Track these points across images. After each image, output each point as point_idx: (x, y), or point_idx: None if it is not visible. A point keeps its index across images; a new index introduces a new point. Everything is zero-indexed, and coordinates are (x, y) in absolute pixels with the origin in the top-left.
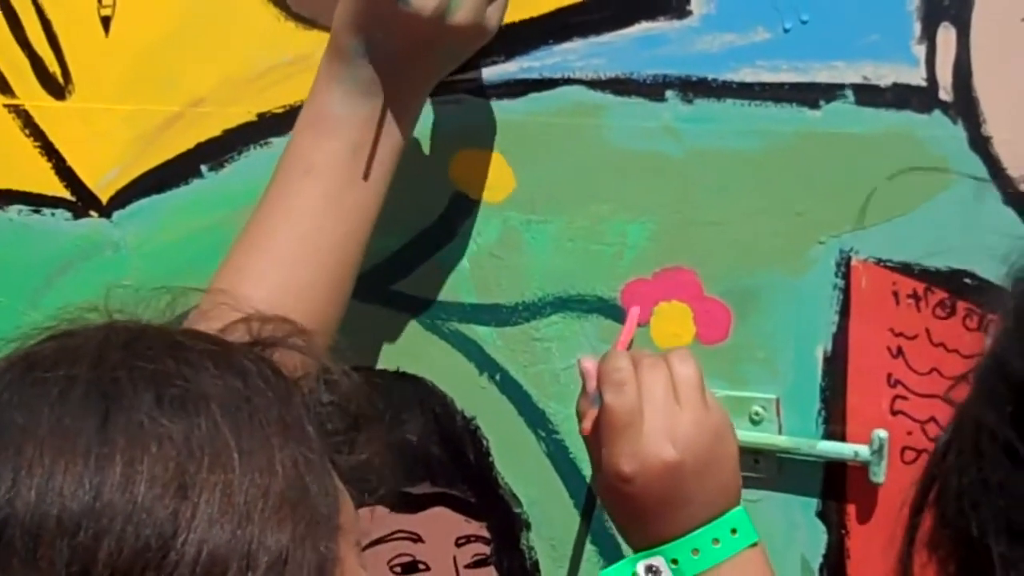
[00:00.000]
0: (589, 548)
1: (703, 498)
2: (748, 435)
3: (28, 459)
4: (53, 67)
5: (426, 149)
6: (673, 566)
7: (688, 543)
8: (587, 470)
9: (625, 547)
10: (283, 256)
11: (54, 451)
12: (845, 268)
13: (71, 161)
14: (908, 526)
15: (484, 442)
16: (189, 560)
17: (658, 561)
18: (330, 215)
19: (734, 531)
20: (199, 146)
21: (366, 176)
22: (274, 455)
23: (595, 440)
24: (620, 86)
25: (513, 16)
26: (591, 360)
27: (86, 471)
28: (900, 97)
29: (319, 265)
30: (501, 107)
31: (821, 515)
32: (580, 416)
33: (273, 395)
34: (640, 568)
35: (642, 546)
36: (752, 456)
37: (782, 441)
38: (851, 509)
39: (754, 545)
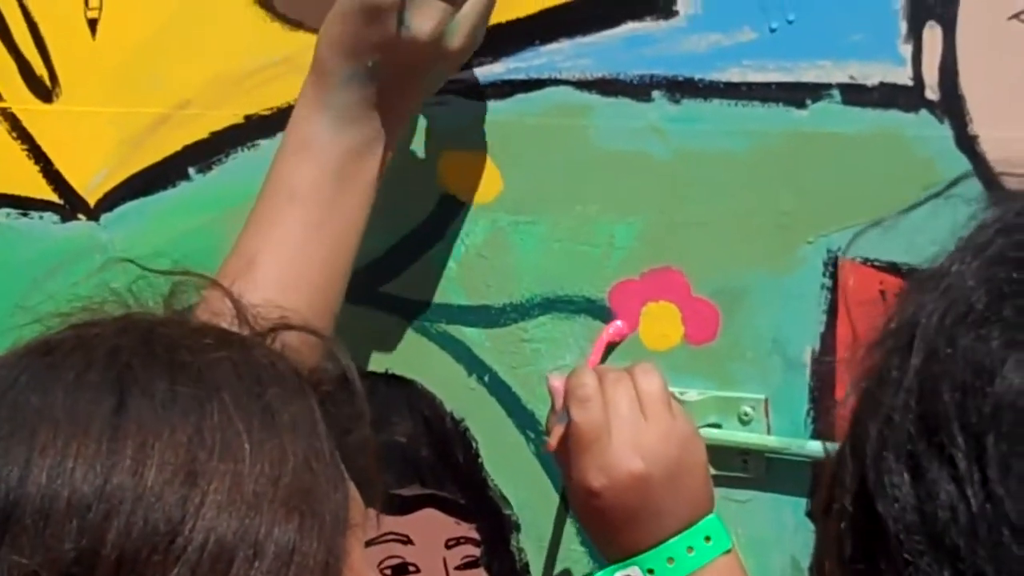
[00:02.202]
0: (578, 549)
1: (674, 508)
2: (737, 435)
3: (42, 441)
4: (40, 70)
5: (414, 151)
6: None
7: (663, 552)
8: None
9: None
10: (269, 282)
11: (67, 434)
12: (833, 268)
13: (58, 164)
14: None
15: (473, 443)
16: (196, 546)
17: (634, 571)
18: (314, 240)
19: (708, 539)
20: (186, 148)
21: (349, 202)
22: (285, 447)
23: (564, 456)
24: (607, 86)
25: (500, 17)
26: (559, 377)
27: (98, 455)
28: (887, 96)
29: (306, 287)
30: (488, 108)
31: (810, 515)
32: (548, 433)
33: (286, 389)
34: None
35: (618, 558)
36: (741, 456)
37: (771, 441)
38: None
39: (728, 552)
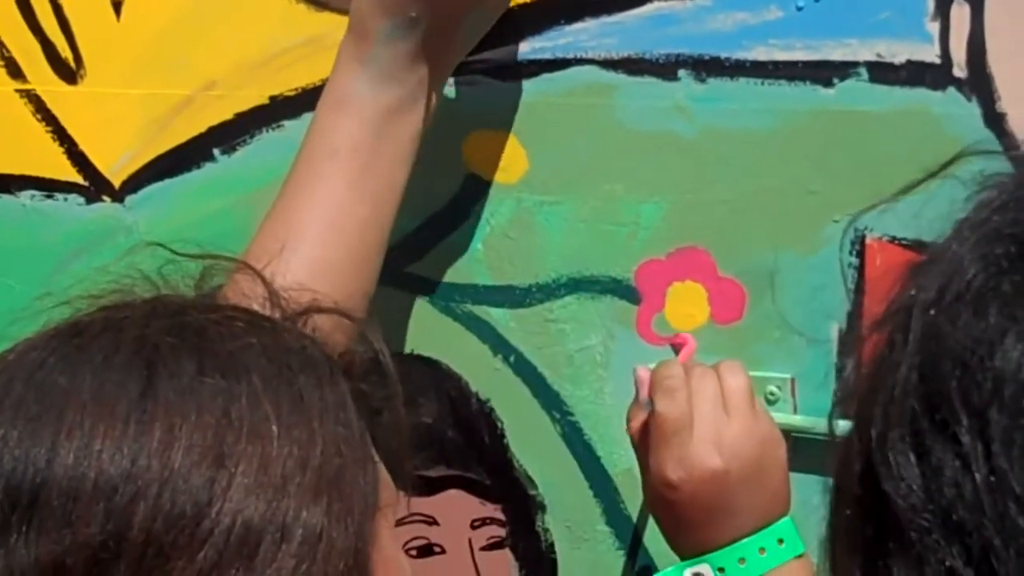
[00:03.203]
0: (605, 529)
1: (750, 507)
2: None
3: (69, 423)
4: (65, 52)
5: (439, 131)
6: (719, 574)
7: (735, 552)
8: (601, 451)
9: (646, 533)
10: (308, 238)
11: (94, 415)
12: (859, 246)
13: (83, 146)
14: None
15: (499, 424)
16: (223, 529)
17: (704, 569)
18: (354, 197)
19: (781, 541)
20: (211, 130)
21: (390, 158)
22: (314, 430)
23: (644, 447)
24: (632, 66)
25: None
26: (645, 368)
27: (125, 436)
28: (914, 74)
29: (345, 247)
30: (514, 88)
31: None
32: (629, 421)
33: (316, 372)
34: (687, 575)
35: (689, 554)
36: None
37: (798, 421)
38: None
39: (800, 556)
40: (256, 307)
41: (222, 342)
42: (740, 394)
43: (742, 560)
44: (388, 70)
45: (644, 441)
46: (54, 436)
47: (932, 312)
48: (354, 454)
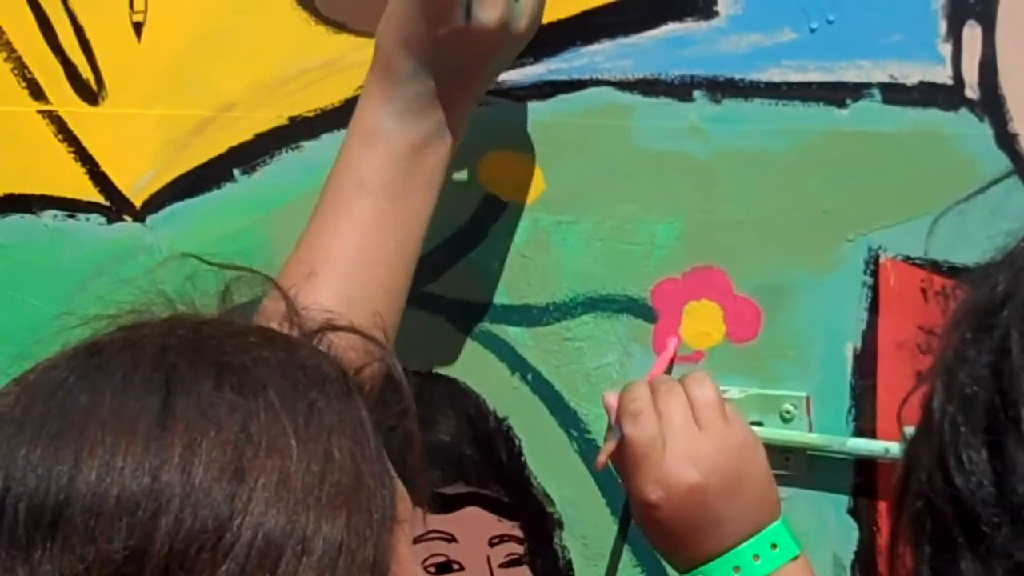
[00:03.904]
0: (622, 547)
1: (736, 516)
2: (778, 433)
3: (90, 440)
4: (86, 73)
5: (456, 152)
6: None
7: (728, 561)
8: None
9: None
10: (334, 271)
11: (115, 433)
12: (874, 266)
13: (104, 166)
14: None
15: (516, 442)
16: (245, 543)
17: None
18: (381, 230)
19: (774, 546)
20: (231, 150)
21: (417, 192)
22: (331, 445)
23: (622, 471)
24: (648, 87)
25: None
26: (612, 394)
27: (146, 453)
28: (926, 95)
29: (372, 279)
30: (530, 109)
31: (852, 512)
32: (604, 446)
33: (332, 388)
34: None
35: (685, 567)
36: (783, 454)
37: (812, 439)
38: (882, 506)
39: (796, 558)
40: (275, 326)
41: (238, 358)
42: (709, 405)
43: (736, 568)
44: (414, 106)
45: (621, 466)
46: (76, 453)
47: (1008, 313)
48: (371, 468)
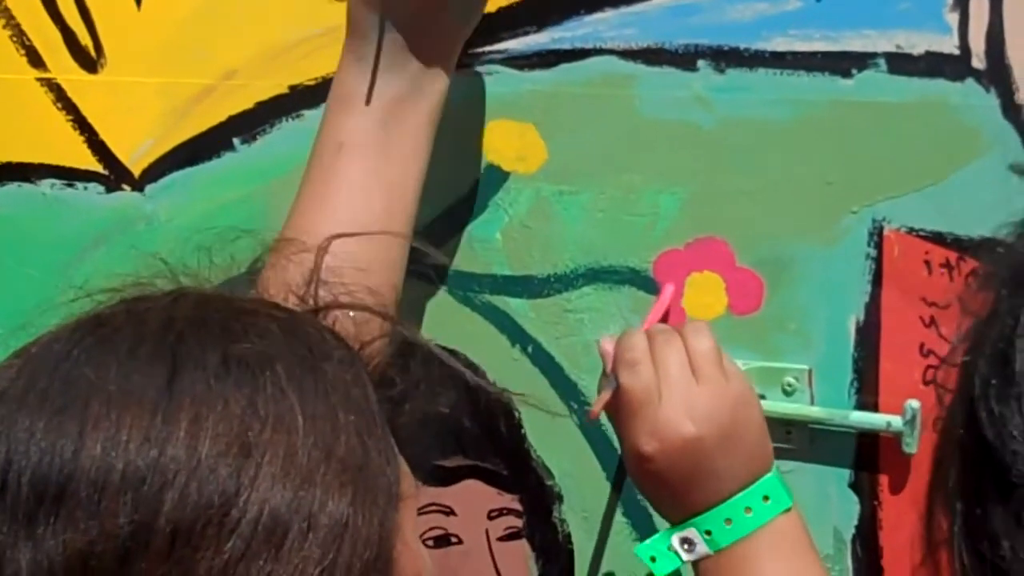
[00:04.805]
0: (621, 520)
1: (730, 469)
2: (780, 406)
3: (95, 414)
4: (85, 40)
5: (457, 121)
6: (707, 537)
7: (720, 513)
8: (618, 441)
9: (658, 518)
10: (327, 234)
11: (121, 407)
12: (878, 237)
13: (103, 135)
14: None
15: (516, 414)
16: (250, 518)
17: (691, 533)
18: (369, 192)
19: (766, 498)
20: (231, 119)
21: (401, 150)
22: (338, 421)
23: (617, 421)
24: (652, 56)
25: None
26: (609, 340)
27: (152, 427)
28: (933, 65)
29: (364, 240)
30: (532, 78)
31: (854, 486)
32: (599, 395)
33: (338, 363)
34: (674, 541)
35: (675, 519)
36: (784, 427)
37: (815, 412)
38: (884, 480)
39: (788, 511)
40: (280, 300)
41: (245, 333)
42: (707, 356)
43: (728, 521)
44: (385, 63)
45: (616, 416)
46: (80, 427)
47: None
48: (377, 445)
